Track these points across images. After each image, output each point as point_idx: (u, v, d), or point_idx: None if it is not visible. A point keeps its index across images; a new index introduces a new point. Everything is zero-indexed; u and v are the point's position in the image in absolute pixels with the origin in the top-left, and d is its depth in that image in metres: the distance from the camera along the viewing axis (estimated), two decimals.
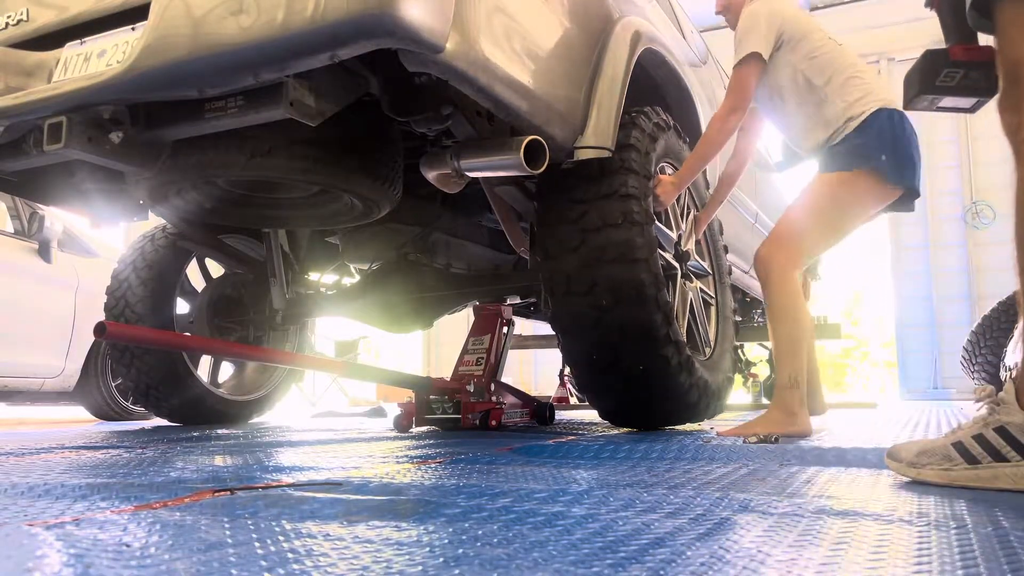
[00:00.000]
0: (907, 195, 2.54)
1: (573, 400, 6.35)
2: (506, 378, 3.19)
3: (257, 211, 2.78)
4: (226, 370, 3.84)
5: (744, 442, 2.03)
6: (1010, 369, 4.92)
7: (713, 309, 3.01)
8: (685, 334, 2.60)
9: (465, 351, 3.02)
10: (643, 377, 2.34)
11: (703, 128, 2.96)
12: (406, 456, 1.83)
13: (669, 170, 2.74)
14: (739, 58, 2.51)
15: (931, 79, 1.42)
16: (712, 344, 2.92)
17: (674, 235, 2.75)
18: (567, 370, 6.39)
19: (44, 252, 4.14)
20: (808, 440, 2.17)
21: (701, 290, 2.90)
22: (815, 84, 2.52)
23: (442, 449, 1.98)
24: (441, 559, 0.72)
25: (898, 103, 2.52)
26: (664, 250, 2.59)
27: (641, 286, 2.25)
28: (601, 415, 2.63)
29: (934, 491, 1.18)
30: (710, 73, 3.71)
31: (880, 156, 2.45)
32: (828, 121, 2.53)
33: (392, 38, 1.53)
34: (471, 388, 2.78)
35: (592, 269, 2.27)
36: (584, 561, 0.71)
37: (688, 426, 2.77)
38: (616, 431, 2.67)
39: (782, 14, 2.54)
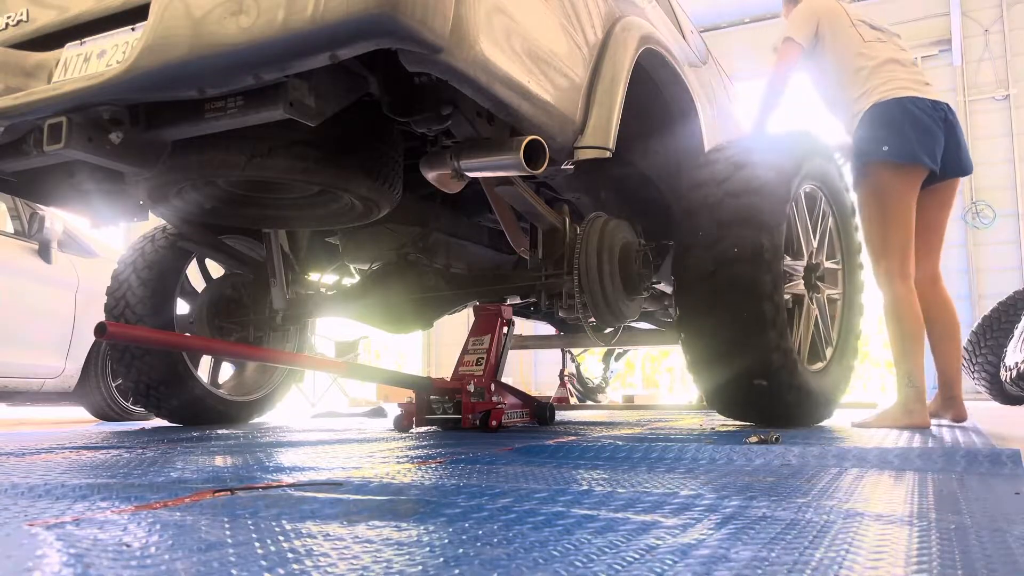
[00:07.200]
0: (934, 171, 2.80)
1: (573, 400, 6.35)
2: (506, 378, 3.19)
3: (257, 211, 2.78)
4: (226, 371, 3.83)
5: (745, 442, 2.03)
6: (1010, 369, 4.92)
7: (839, 304, 3.03)
8: (808, 346, 2.73)
9: (465, 351, 3.02)
10: (758, 388, 2.50)
11: (703, 128, 2.96)
12: (406, 456, 1.83)
13: (807, 187, 2.79)
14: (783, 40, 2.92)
15: None
16: (834, 342, 2.96)
17: (805, 256, 2.78)
18: (567, 370, 6.39)
19: (44, 252, 4.14)
20: (807, 440, 2.17)
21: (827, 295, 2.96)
22: (837, 78, 2.93)
23: (442, 449, 1.98)
24: (441, 559, 0.72)
25: (901, 91, 2.67)
26: (793, 279, 2.67)
27: (762, 317, 2.39)
28: (710, 405, 2.82)
29: (934, 491, 1.18)
30: (710, 73, 3.71)
31: (882, 148, 2.64)
32: (851, 113, 2.88)
33: (392, 38, 1.53)
34: (471, 388, 2.78)
35: (718, 298, 2.42)
36: (584, 561, 0.71)
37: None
38: (616, 432, 2.68)
39: (816, 10, 2.93)
